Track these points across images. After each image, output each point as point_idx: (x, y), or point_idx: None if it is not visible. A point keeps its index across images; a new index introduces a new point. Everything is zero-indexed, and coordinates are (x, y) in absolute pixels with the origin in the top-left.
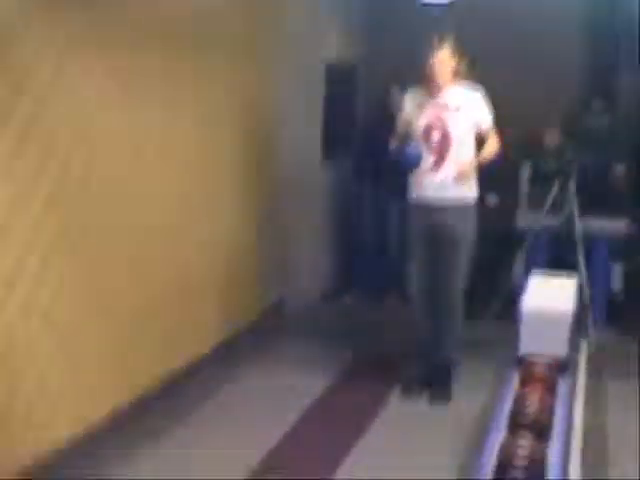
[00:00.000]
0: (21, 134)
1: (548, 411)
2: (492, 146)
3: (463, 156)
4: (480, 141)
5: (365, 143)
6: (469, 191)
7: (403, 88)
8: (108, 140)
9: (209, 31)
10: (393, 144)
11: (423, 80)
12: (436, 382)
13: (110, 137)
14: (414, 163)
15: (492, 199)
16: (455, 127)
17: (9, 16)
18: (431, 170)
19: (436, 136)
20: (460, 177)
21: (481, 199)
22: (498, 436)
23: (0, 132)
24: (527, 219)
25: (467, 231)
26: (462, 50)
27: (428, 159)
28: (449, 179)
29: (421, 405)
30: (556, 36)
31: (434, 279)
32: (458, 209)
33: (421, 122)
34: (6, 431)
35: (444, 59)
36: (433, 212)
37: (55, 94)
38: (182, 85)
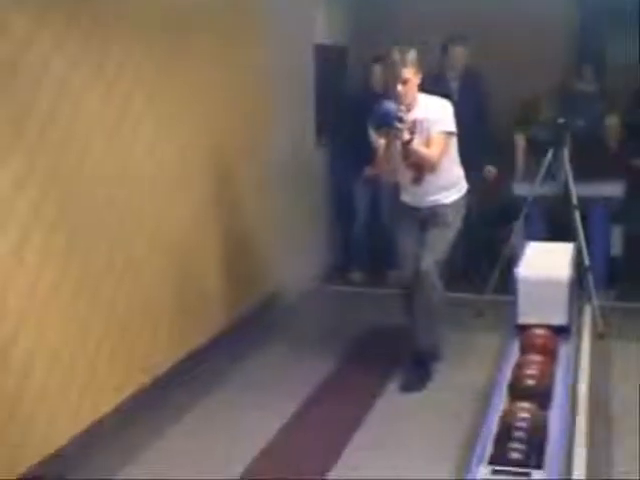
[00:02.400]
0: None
1: (548, 378)
2: (430, 152)
3: (442, 166)
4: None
5: (349, 125)
6: (455, 192)
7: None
8: (97, 135)
9: (197, 18)
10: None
11: (391, 94)
12: (412, 370)
13: (99, 131)
14: (388, 120)
15: (490, 170)
16: (427, 144)
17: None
18: (413, 184)
19: (411, 155)
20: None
21: (479, 171)
22: (499, 405)
23: None
24: (523, 189)
25: (454, 219)
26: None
27: (408, 173)
28: (432, 189)
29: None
30: (544, 5)
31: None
32: (445, 205)
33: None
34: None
35: (409, 78)
36: (421, 210)
37: (44, 92)
38: (172, 72)
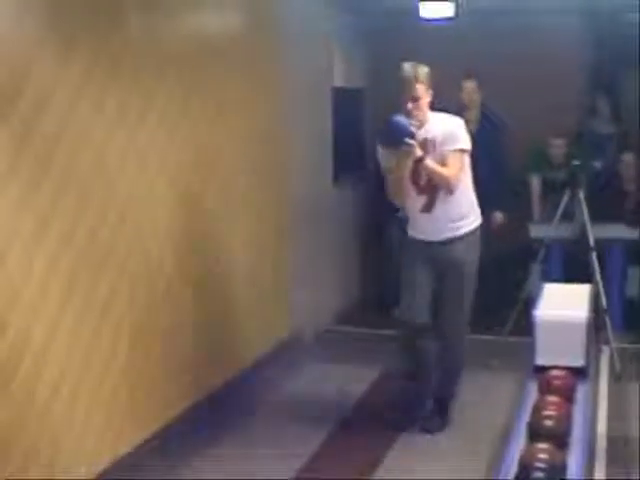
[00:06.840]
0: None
1: (566, 420)
2: (447, 171)
3: (456, 190)
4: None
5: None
6: (468, 223)
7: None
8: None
9: (220, 59)
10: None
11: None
12: (432, 412)
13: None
14: (398, 136)
15: (498, 217)
16: (440, 164)
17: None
18: (423, 212)
19: (423, 177)
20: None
21: (487, 219)
22: (518, 445)
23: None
24: (540, 231)
25: (470, 260)
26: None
27: (419, 200)
28: (444, 218)
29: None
30: (559, 47)
31: (436, 311)
32: (458, 240)
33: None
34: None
35: (420, 96)
36: (432, 246)
37: (70, 129)
38: (192, 113)
